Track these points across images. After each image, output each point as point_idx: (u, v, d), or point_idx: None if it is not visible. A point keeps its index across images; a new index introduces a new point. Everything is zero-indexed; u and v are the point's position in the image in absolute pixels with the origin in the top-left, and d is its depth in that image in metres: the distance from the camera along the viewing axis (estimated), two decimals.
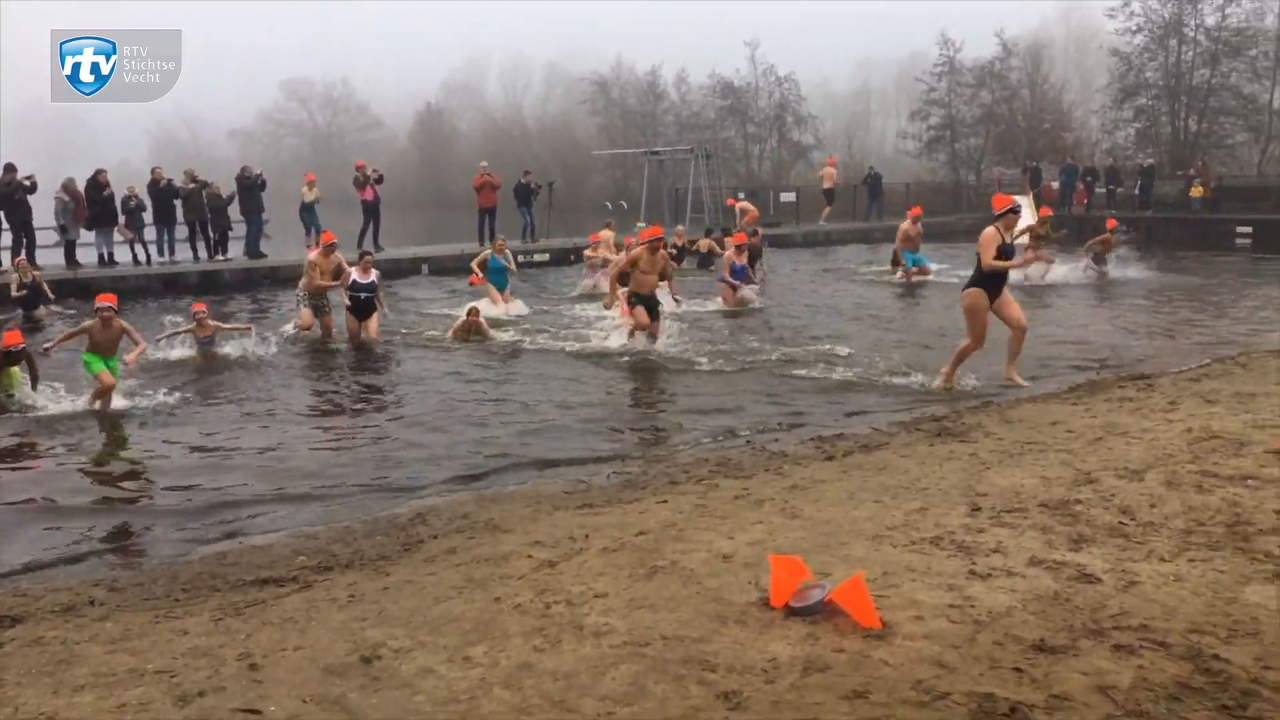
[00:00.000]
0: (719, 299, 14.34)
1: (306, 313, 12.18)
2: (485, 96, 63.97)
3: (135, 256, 18.45)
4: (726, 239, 16.79)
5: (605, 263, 15.99)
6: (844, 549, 4.16)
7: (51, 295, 14.48)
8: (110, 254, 18.13)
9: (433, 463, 6.90)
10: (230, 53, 62.48)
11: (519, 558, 4.33)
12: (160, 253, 18.90)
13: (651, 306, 10.92)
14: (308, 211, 19.69)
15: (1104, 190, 28.03)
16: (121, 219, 18.09)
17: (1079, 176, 27.94)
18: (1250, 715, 2.73)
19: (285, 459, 7.11)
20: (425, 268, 19.68)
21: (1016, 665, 3.03)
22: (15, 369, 9.13)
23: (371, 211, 20.10)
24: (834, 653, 3.14)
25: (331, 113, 70.45)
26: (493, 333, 11.96)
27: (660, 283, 11.15)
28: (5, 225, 16.97)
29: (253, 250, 19.51)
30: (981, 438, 6.35)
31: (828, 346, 10.78)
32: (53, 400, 8.80)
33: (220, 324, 11.26)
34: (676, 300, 11.93)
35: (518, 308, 14.08)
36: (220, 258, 19.06)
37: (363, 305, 11.95)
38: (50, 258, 17.78)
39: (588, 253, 17.12)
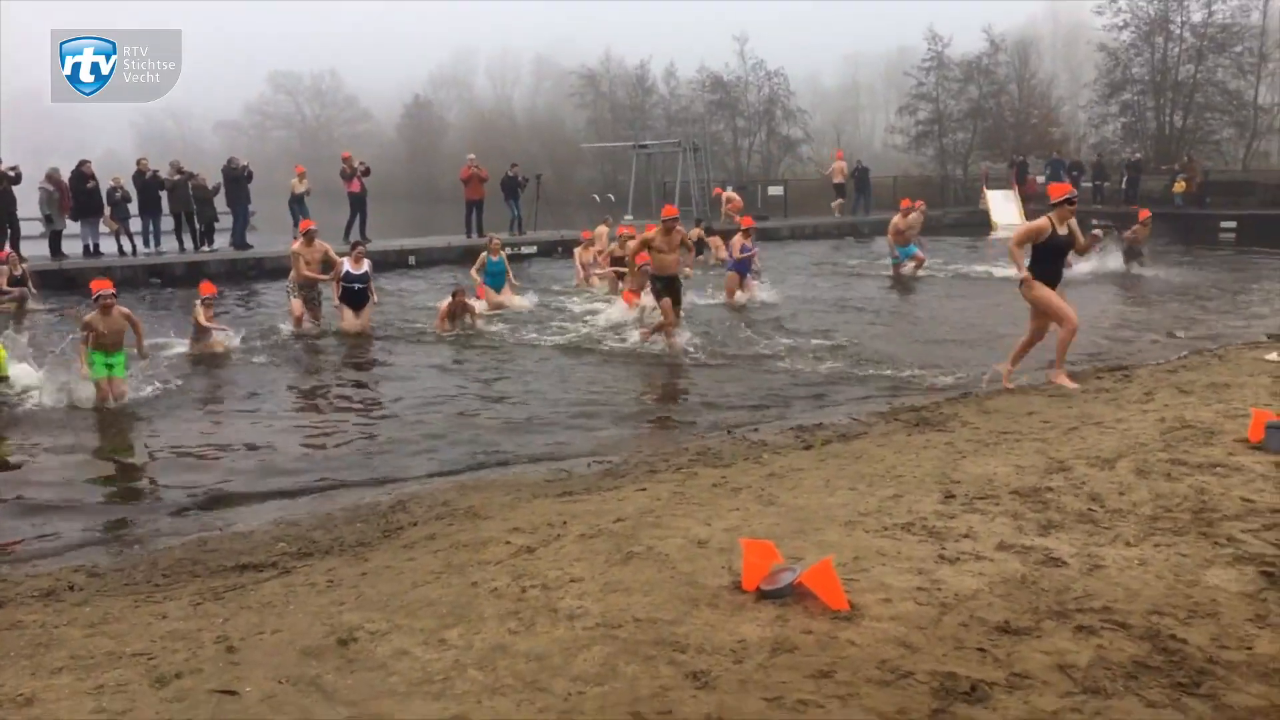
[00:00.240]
0: (721, 294, 14.14)
1: (297, 303, 12.17)
2: (474, 89, 63.70)
3: (120, 247, 18.40)
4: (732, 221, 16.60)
5: (594, 263, 16.02)
6: (818, 534, 4.22)
7: (34, 290, 14.39)
8: (96, 245, 18.06)
9: (417, 454, 6.95)
10: (218, 45, 62.08)
11: (497, 544, 4.38)
12: (146, 244, 18.86)
13: (674, 290, 10.64)
14: (298, 203, 19.63)
15: (1090, 185, 28.17)
16: (107, 210, 18.03)
17: (1065, 171, 28.08)
18: (1204, 692, 2.80)
19: (271, 450, 7.14)
20: (412, 259, 19.70)
21: (980, 645, 3.09)
22: (2, 349, 8.94)
23: (358, 204, 20.13)
24: (802, 634, 3.20)
25: (319, 105, 70.03)
26: (480, 321, 11.97)
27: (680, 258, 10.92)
28: None
29: (239, 242, 19.49)
30: (959, 427, 6.43)
31: (815, 341, 10.85)
32: (50, 396, 8.49)
33: (214, 323, 11.23)
34: (686, 274, 11.82)
35: (526, 301, 13.97)
36: (206, 249, 19.02)
37: (355, 296, 11.96)
38: (35, 249, 17.69)
39: (579, 250, 16.63)
